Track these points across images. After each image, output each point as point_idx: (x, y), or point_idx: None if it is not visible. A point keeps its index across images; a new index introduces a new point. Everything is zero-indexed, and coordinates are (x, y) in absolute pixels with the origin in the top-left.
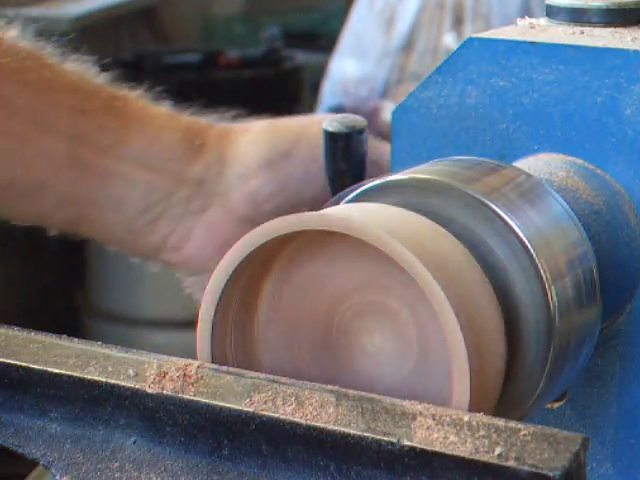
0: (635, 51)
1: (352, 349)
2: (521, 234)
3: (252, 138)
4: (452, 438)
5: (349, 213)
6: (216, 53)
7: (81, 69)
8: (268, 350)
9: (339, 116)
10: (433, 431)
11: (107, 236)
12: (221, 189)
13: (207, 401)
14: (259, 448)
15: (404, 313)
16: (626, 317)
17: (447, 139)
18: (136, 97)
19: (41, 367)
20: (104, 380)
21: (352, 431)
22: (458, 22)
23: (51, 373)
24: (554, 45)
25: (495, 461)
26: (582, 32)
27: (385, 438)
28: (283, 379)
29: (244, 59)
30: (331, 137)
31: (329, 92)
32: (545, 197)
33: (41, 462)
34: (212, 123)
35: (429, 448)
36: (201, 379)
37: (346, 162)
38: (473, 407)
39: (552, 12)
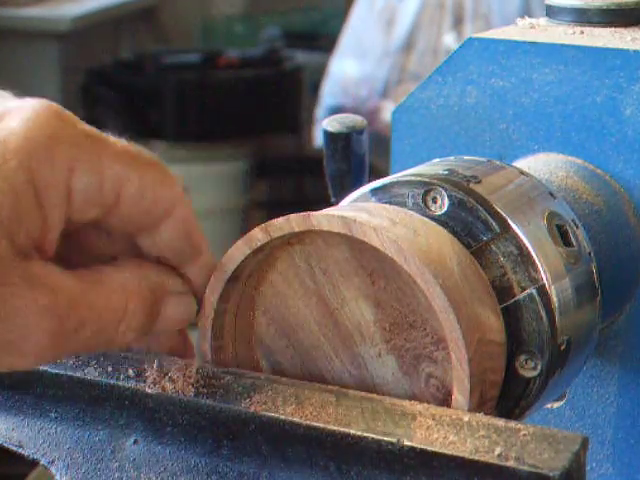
0: (635, 51)
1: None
2: (521, 234)
3: None
4: (452, 438)
5: (351, 214)
6: (216, 53)
7: None
8: (268, 350)
9: (339, 116)
10: (433, 431)
11: None
12: None
13: (207, 401)
14: (259, 448)
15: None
16: (626, 317)
17: (447, 139)
18: None
19: (41, 367)
20: (104, 380)
21: (352, 431)
22: (458, 22)
23: (51, 373)
24: (554, 45)
25: (495, 461)
26: (582, 32)
27: (385, 438)
28: (283, 379)
29: (244, 59)
30: (331, 137)
31: (329, 92)
32: (545, 197)
33: (41, 462)
34: None
35: (429, 448)
36: (201, 379)
37: (346, 162)
38: (473, 407)
39: (552, 12)
